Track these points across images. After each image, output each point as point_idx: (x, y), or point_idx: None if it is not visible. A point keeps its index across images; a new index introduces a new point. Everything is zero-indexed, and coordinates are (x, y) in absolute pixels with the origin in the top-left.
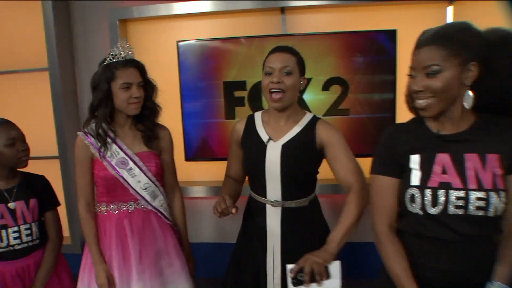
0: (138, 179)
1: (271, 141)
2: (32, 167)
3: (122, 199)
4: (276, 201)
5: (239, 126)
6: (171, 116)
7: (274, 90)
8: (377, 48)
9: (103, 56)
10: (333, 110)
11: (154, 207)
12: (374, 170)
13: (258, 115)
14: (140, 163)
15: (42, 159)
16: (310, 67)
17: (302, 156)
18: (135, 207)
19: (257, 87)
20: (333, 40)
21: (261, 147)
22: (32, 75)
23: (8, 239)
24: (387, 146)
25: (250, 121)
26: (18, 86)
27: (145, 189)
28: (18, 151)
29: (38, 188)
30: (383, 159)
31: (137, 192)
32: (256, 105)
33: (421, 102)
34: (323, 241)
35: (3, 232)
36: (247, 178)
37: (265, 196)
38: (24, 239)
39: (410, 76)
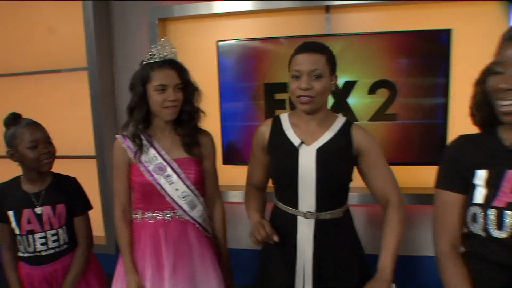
0: (175, 187)
1: (303, 145)
2: (70, 166)
3: (159, 207)
4: (309, 212)
5: (264, 129)
6: (209, 118)
7: (303, 96)
8: (430, 48)
9: (142, 56)
10: (379, 115)
11: (192, 218)
12: (439, 184)
13: (285, 117)
14: (179, 170)
15: (79, 158)
16: (356, 69)
17: (339, 162)
18: (171, 216)
19: None
20: (381, 40)
21: (292, 151)
22: (71, 74)
23: (34, 245)
24: (452, 158)
25: (277, 123)
26: (58, 85)
27: (183, 197)
28: (40, 154)
29: (67, 191)
30: (448, 172)
31: (174, 201)
32: (295, 107)
33: (507, 104)
34: (356, 257)
35: (30, 237)
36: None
37: (296, 207)
38: (51, 245)
39: (496, 73)
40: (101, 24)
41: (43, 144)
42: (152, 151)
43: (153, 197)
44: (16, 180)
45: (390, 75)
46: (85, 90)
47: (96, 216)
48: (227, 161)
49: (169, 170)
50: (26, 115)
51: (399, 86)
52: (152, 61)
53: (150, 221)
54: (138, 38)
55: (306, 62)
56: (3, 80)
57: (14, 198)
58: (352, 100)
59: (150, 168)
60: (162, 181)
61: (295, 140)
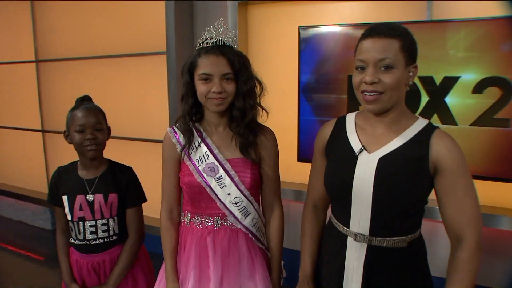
0: (228, 191)
1: (364, 152)
2: (145, 148)
3: (208, 212)
4: (361, 234)
5: (326, 130)
6: (286, 110)
7: (368, 92)
8: None
9: None
10: (486, 119)
11: (244, 226)
12: None
13: (351, 118)
14: (232, 172)
15: (154, 142)
16: (458, 63)
17: (407, 177)
18: (221, 223)
19: None
20: (493, 27)
21: (351, 158)
22: (151, 58)
23: (84, 233)
24: None
25: (340, 124)
26: (139, 68)
27: (235, 203)
28: (85, 139)
29: (121, 181)
30: None
31: (225, 207)
32: None
33: None
34: None
35: (81, 224)
36: None
37: (347, 226)
38: (100, 234)
39: None
40: (182, 9)
41: (90, 129)
42: (203, 148)
43: (202, 200)
44: (73, 165)
45: (503, 70)
46: (163, 73)
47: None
48: (302, 158)
49: (221, 172)
50: (106, 96)
51: None
52: (202, 46)
53: (198, 227)
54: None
55: (372, 49)
56: (91, 62)
57: (69, 183)
58: (452, 99)
59: (201, 168)
60: (213, 183)
61: (356, 145)
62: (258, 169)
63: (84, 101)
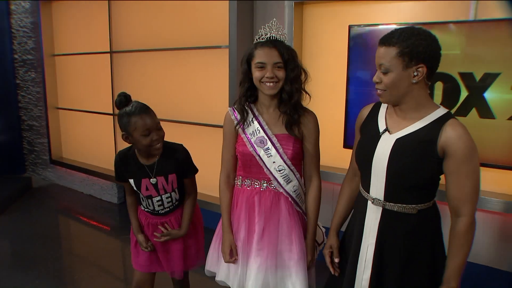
0: (273, 160)
1: (386, 133)
2: (208, 133)
3: (256, 177)
4: (377, 199)
5: (364, 111)
6: (335, 101)
7: (377, 88)
8: None
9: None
10: None
11: (285, 191)
12: None
13: (385, 104)
14: (278, 145)
15: (215, 127)
16: (499, 59)
17: (417, 157)
18: (267, 186)
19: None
20: None
21: (376, 137)
22: (214, 51)
23: (153, 205)
24: None
25: (376, 107)
26: (203, 60)
27: (279, 171)
28: (153, 140)
29: (177, 160)
30: None
31: (271, 173)
32: None
33: None
34: (428, 259)
35: (149, 200)
36: None
37: (368, 191)
38: (166, 205)
39: None
40: (243, 8)
41: (155, 131)
42: (256, 125)
43: (252, 166)
44: (131, 151)
45: None
46: (225, 66)
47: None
48: (348, 145)
49: (268, 144)
50: (172, 85)
51: None
52: (259, 41)
53: (248, 188)
54: (277, 19)
55: (376, 56)
56: (159, 53)
57: (133, 168)
58: (491, 94)
59: (252, 140)
60: (261, 153)
61: (382, 126)
62: (300, 144)
63: (129, 100)
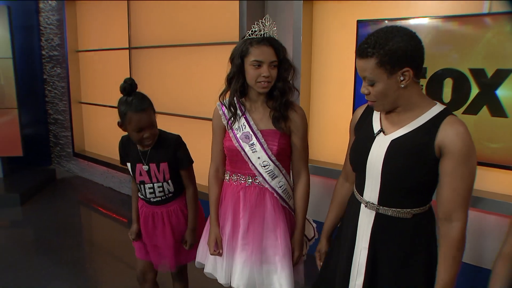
0: (258, 155)
1: (381, 134)
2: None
3: (242, 172)
4: (370, 203)
5: (358, 112)
6: (344, 97)
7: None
8: None
9: (287, 34)
10: None
11: (271, 186)
12: None
13: None
14: (262, 140)
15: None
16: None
17: (412, 159)
18: (252, 182)
19: (438, 76)
20: None
21: (370, 137)
22: (226, 47)
23: (145, 192)
24: None
25: (370, 108)
26: (215, 55)
27: (264, 166)
28: (144, 138)
29: (170, 149)
30: None
31: (256, 168)
32: (435, 95)
33: None
34: (423, 264)
35: (142, 186)
36: None
37: (361, 194)
38: (157, 194)
39: None
40: (254, 6)
41: (148, 129)
42: (242, 120)
43: (238, 162)
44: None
45: None
46: None
47: None
48: None
49: (253, 139)
50: (186, 79)
51: None
52: (252, 37)
53: (234, 183)
54: (287, 16)
55: (358, 68)
56: (174, 49)
57: (131, 152)
58: (503, 92)
59: (238, 135)
60: (246, 148)
61: (376, 127)
62: (288, 139)
63: (134, 88)
